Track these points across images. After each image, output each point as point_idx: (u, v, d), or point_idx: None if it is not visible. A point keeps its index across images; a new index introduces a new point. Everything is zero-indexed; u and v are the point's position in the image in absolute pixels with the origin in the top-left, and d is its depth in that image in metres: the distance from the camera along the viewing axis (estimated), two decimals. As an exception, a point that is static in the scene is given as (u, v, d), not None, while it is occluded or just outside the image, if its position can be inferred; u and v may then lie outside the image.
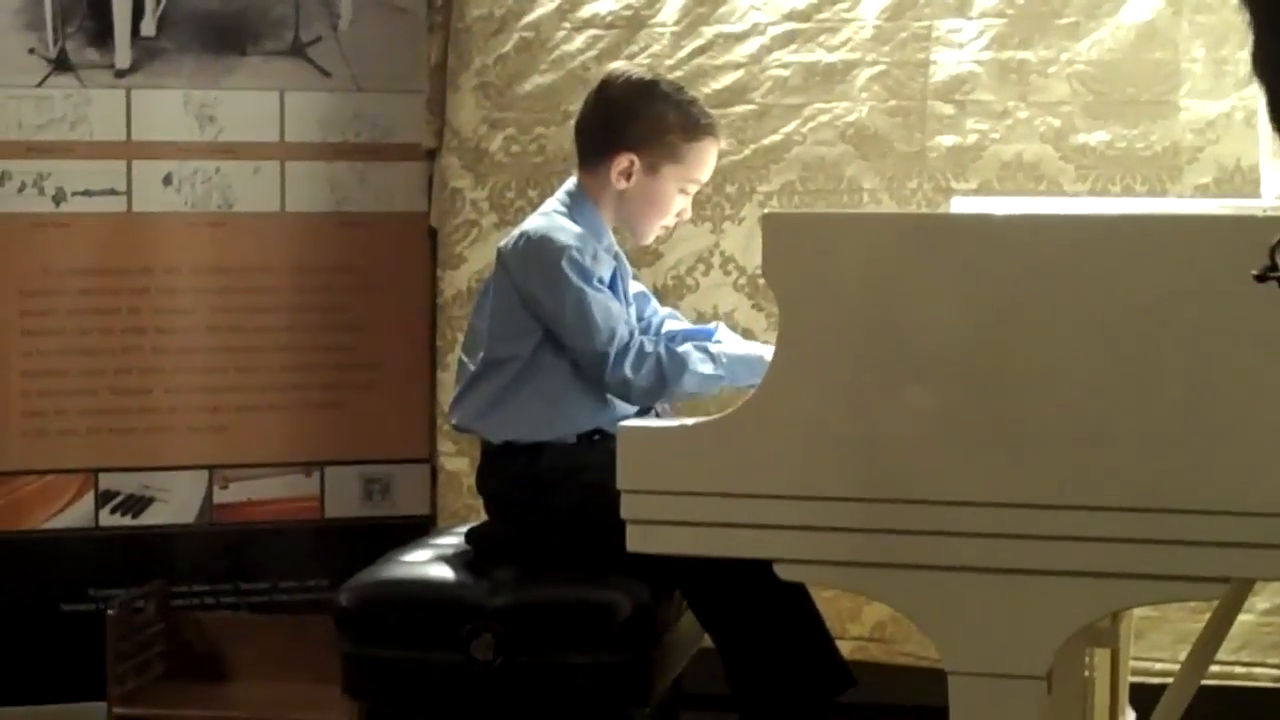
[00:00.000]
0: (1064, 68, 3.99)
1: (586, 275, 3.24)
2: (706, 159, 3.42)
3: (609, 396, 3.27)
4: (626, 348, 3.21)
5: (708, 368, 3.25)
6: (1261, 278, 1.11)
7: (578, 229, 3.30)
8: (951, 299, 2.65)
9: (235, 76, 4.43)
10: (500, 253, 3.36)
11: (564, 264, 3.23)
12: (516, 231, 3.37)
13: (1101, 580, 2.61)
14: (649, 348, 3.23)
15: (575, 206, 3.37)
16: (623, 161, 3.36)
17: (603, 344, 3.20)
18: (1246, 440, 2.55)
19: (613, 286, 3.32)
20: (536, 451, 3.27)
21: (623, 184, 3.37)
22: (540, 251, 3.27)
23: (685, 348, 3.26)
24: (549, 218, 3.35)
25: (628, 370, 3.20)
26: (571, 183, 3.43)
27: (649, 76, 3.51)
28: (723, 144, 3.52)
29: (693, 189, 3.44)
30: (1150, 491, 2.57)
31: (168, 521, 4.42)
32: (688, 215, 3.50)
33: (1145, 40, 3.96)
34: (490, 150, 4.31)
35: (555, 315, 3.24)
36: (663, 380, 3.22)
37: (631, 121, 3.37)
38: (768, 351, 3.14)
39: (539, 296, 3.26)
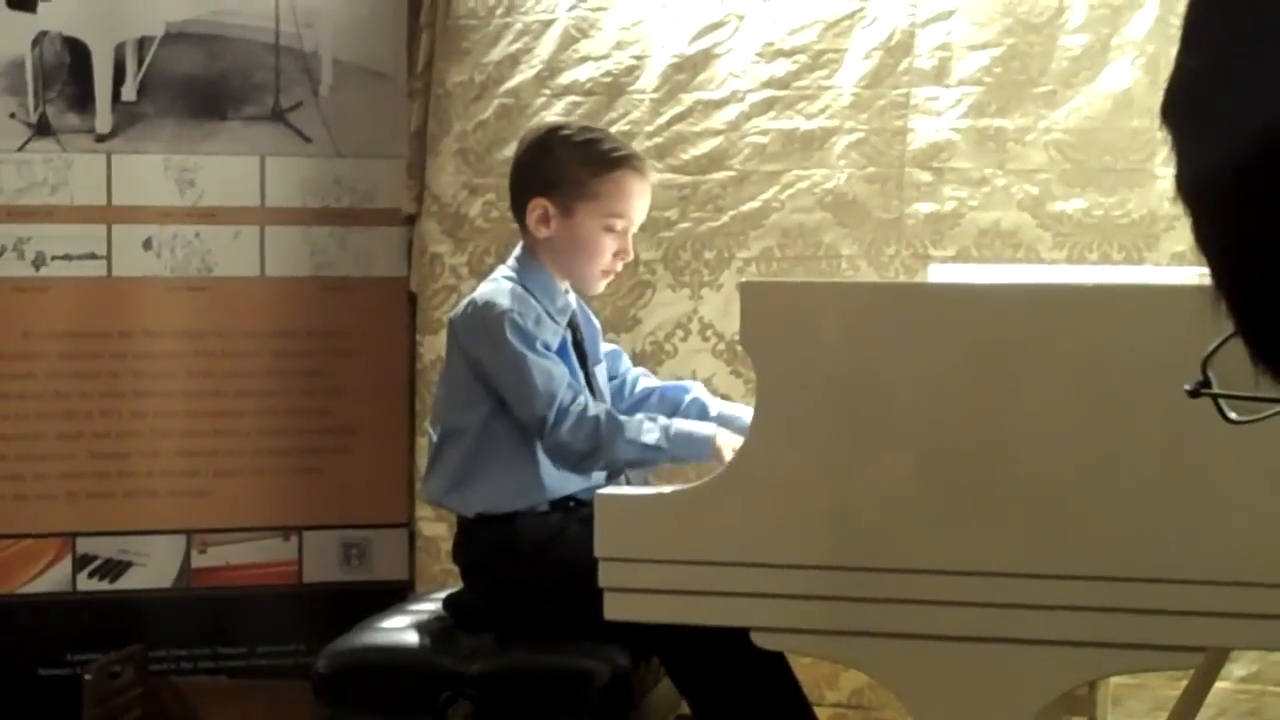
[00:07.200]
0: (1041, 135, 4.01)
1: (528, 339, 3.20)
2: (623, 191, 3.31)
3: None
4: (566, 411, 3.15)
5: (650, 438, 3.16)
6: (1194, 393, 1.10)
7: (521, 292, 3.25)
8: (929, 367, 2.66)
9: (216, 141, 4.43)
10: (451, 322, 3.35)
11: (505, 328, 3.18)
12: (465, 300, 3.35)
13: (1077, 649, 2.61)
14: (591, 411, 3.17)
15: (524, 270, 3.32)
16: (536, 208, 3.29)
17: (542, 408, 3.15)
18: (1222, 510, 2.56)
19: (562, 351, 3.28)
20: (511, 521, 3.24)
21: (544, 231, 3.29)
22: (483, 317, 3.23)
23: (637, 416, 3.22)
24: (495, 283, 3.31)
25: (564, 434, 3.15)
26: (520, 247, 3.39)
27: (556, 123, 3.48)
28: (651, 177, 3.41)
29: (620, 225, 3.32)
30: (1127, 560, 2.57)
31: (145, 586, 4.40)
32: (629, 257, 3.37)
33: (1122, 109, 3.97)
34: (470, 215, 4.32)
35: (499, 380, 3.21)
36: (598, 445, 3.15)
37: (536, 167, 3.32)
38: (722, 433, 3.16)
39: (484, 362, 3.23)
